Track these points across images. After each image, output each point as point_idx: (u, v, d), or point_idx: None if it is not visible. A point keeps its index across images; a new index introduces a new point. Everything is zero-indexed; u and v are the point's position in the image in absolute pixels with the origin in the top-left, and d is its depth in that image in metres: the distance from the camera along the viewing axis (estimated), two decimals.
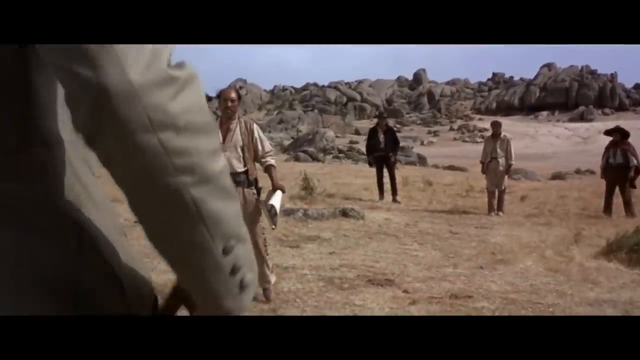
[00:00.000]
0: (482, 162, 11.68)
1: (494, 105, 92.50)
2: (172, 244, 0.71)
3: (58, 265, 0.71)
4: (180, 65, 0.66)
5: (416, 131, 70.34)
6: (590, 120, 76.06)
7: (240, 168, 4.67)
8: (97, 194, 0.81)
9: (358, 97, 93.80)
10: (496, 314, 4.68)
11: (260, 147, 4.79)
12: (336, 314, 4.55)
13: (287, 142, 38.61)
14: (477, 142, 53.24)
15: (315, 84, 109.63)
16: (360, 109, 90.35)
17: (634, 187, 11.33)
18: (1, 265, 0.67)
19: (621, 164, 11.19)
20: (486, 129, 46.58)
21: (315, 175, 13.25)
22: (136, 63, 0.63)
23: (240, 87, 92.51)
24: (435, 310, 4.69)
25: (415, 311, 4.66)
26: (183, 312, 0.87)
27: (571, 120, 78.85)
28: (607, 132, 12.08)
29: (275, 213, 4.68)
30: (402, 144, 16.88)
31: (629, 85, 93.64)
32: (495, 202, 11.25)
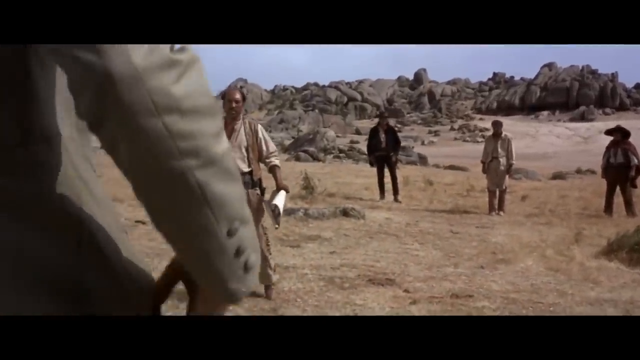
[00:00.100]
0: (483, 162, 11.67)
1: (495, 105, 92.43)
2: (177, 227, 0.71)
3: (58, 261, 0.71)
4: (182, 49, 0.67)
5: (417, 131, 70.31)
6: (591, 120, 76.00)
7: (244, 168, 4.69)
8: (98, 191, 0.81)
9: (359, 97, 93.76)
10: (497, 313, 4.68)
11: (264, 148, 4.82)
12: (337, 313, 4.55)
13: (287, 142, 38.60)
14: (477, 141, 53.18)
15: (315, 84, 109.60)
16: (360, 109, 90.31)
17: (635, 186, 11.32)
18: (1, 262, 0.67)
19: (622, 164, 11.19)
20: (487, 129, 46.57)
21: (316, 175, 13.25)
22: (139, 47, 0.63)
23: (241, 87, 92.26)
24: (436, 309, 4.69)
25: (416, 311, 4.66)
26: (182, 312, 0.87)
27: (572, 120, 78.78)
28: (608, 132, 12.08)
29: (279, 213, 4.71)
30: (403, 143, 16.88)
31: (630, 85, 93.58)
32: (496, 201, 11.25)
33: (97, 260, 0.75)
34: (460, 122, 79.73)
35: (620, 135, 11.53)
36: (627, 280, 5.86)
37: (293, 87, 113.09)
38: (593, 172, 24.69)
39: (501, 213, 11.11)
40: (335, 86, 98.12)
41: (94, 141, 0.86)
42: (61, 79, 0.76)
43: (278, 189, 4.83)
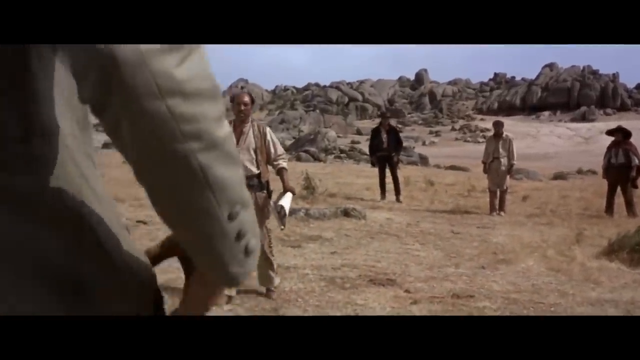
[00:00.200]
0: (484, 162, 11.66)
1: (496, 105, 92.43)
2: (179, 210, 0.72)
3: (58, 256, 0.71)
4: None
5: (418, 131, 70.34)
6: (592, 121, 75.98)
7: (253, 171, 4.75)
8: (98, 187, 0.82)
9: (360, 97, 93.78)
10: (498, 313, 4.68)
11: (272, 150, 4.87)
12: (338, 313, 4.55)
13: (288, 142, 38.58)
14: (478, 142, 53.22)
15: (316, 84, 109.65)
16: (361, 109, 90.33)
17: (636, 187, 11.31)
18: (1, 258, 0.67)
19: (623, 164, 11.18)
20: (488, 129, 46.52)
21: (317, 175, 13.25)
22: None
23: (242, 87, 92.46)
24: (436, 310, 4.69)
25: (416, 311, 4.66)
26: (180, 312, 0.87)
27: (573, 120, 78.76)
28: (609, 132, 12.06)
29: (285, 214, 4.76)
30: (404, 144, 16.83)
31: (631, 85, 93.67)
32: (497, 202, 11.24)
33: (97, 256, 0.75)
34: (461, 122, 79.73)
35: (621, 135, 11.51)
36: (628, 281, 5.86)
37: (294, 87, 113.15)
38: (594, 172, 24.68)
39: (502, 213, 11.10)
40: (336, 86, 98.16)
41: (96, 141, 0.87)
42: (60, 75, 0.76)
43: (285, 191, 4.88)
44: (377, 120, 15.11)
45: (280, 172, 4.93)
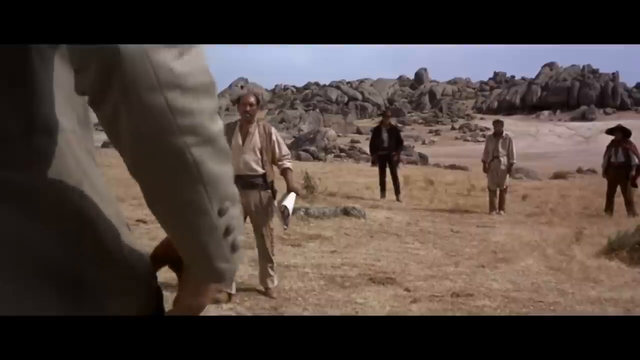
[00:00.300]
0: (483, 161, 11.65)
1: (496, 104, 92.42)
2: (171, 204, 0.72)
3: (59, 252, 0.71)
4: None
5: (418, 130, 70.31)
6: (592, 120, 75.98)
7: (258, 171, 4.80)
8: (99, 183, 0.82)
9: (359, 97, 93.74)
10: (497, 312, 4.68)
11: (277, 150, 4.92)
12: (338, 312, 4.56)
13: (288, 141, 38.56)
14: (478, 141, 53.17)
15: (316, 83, 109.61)
16: (361, 108, 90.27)
17: (636, 186, 11.32)
18: (2, 253, 0.68)
19: (623, 163, 11.18)
20: (487, 128, 46.45)
21: (317, 174, 13.24)
22: None
23: (242, 87, 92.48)
24: (436, 308, 4.70)
25: (416, 309, 4.66)
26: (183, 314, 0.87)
27: (573, 119, 78.74)
28: (609, 131, 12.06)
29: (288, 214, 4.81)
30: (404, 143, 16.80)
31: (631, 84, 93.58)
32: (496, 201, 11.25)
33: (98, 252, 0.76)
34: (461, 121, 79.69)
35: (621, 134, 11.51)
36: (628, 280, 5.86)
37: (294, 86, 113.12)
38: (594, 171, 24.70)
39: (502, 212, 11.11)
40: (336, 86, 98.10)
41: (95, 140, 0.87)
42: (60, 71, 0.76)
43: (288, 191, 4.93)
44: (377, 120, 15.10)
45: (284, 172, 4.97)
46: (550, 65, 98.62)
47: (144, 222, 6.68)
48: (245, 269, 5.44)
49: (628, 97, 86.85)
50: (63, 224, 0.73)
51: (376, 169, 13.27)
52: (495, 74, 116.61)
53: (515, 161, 11.69)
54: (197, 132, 0.68)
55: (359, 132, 61.20)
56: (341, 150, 35.38)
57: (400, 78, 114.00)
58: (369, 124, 64.74)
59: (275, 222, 5.06)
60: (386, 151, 12.75)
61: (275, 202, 4.89)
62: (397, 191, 12.63)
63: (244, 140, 4.83)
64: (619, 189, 11.26)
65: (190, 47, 0.67)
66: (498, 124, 11.69)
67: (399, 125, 61.58)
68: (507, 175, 11.50)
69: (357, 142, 45.15)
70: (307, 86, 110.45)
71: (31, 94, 0.73)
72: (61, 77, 0.75)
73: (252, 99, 4.91)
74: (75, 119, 0.81)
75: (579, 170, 28.32)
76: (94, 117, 0.77)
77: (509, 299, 5.06)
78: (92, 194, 0.78)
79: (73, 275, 0.72)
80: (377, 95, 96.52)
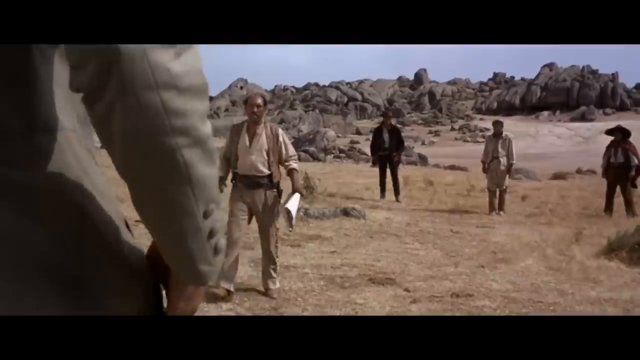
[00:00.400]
0: (483, 162, 11.66)
1: (495, 105, 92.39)
2: (158, 205, 0.72)
3: (59, 251, 0.71)
4: None
5: (417, 131, 70.27)
6: (592, 120, 75.94)
7: (264, 171, 4.85)
8: (99, 182, 0.82)
9: (359, 97, 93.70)
10: (497, 312, 4.68)
11: (284, 151, 4.97)
12: (337, 312, 4.56)
13: None
14: (478, 141, 53.15)
15: (316, 84, 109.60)
16: (361, 109, 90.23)
17: (635, 186, 11.32)
18: (3, 251, 0.68)
19: (622, 164, 11.18)
20: (487, 129, 46.43)
21: (316, 175, 13.25)
22: None
23: (241, 87, 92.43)
24: (436, 309, 4.70)
25: (416, 310, 4.66)
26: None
27: (572, 120, 78.72)
28: (609, 132, 12.06)
29: (292, 217, 4.88)
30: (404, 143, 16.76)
31: (630, 85, 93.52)
32: (496, 201, 11.25)
33: (97, 250, 0.76)
34: (460, 122, 79.65)
35: (620, 135, 11.52)
36: (627, 280, 5.87)
37: (293, 87, 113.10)
38: (593, 172, 24.70)
39: (501, 213, 11.11)
40: (335, 86, 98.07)
41: (95, 141, 0.87)
42: (60, 70, 0.76)
43: (293, 192, 4.97)
44: (377, 120, 15.08)
45: (290, 172, 5.02)
46: (550, 66, 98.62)
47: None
48: (245, 270, 5.44)
49: (627, 98, 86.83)
50: (63, 223, 0.73)
51: (376, 170, 13.25)
52: (495, 74, 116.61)
53: (514, 162, 11.69)
54: (189, 133, 0.68)
55: (358, 132, 61.17)
56: (341, 150, 35.37)
57: (400, 79, 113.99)
58: (368, 124, 64.73)
59: (281, 222, 5.09)
60: (387, 152, 12.73)
61: (280, 204, 4.93)
62: (396, 192, 12.62)
63: (251, 141, 4.86)
64: (618, 189, 11.27)
65: (187, 48, 0.67)
66: (498, 125, 11.69)
67: (399, 125, 61.57)
68: (507, 176, 11.51)
69: (357, 142, 45.11)
70: (306, 87, 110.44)
71: (32, 93, 0.73)
72: (61, 75, 0.75)
73: (260, 100, 4.95)
74: (76, 117, 0.81)
75: (579, 171, 28.32)
76: None
77: (509, 299, 5.06)
78: (92, 192, 0.78)
79: (73, 274, 0.72)
80: (377, 95, 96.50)
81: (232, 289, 4.73)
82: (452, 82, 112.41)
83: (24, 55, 0.72)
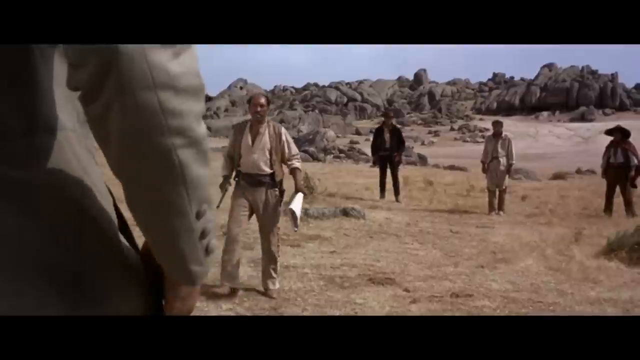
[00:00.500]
0: (483, 162, 11.65)
1: (495, 105, 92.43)
2: (152, 204, 0.72)
3: (58, 250, 0.71)
4: None
5: (417, 131, 70.26)
6: (591, 121, 75.97)
7: (266, 170, 4.88)
8: (99, 181, 0.82)
9: (359, 97, 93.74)
10: (497, 312, 4.68)
11: (287, 150, 4.99)
12: (337, 312, 4.56)
13: None
14: (477, 142, 53.18)
15: (315, 84, 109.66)
16: (360, 109, 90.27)
17: (635, 186, 11.32)
18: (3, 251, 0.68)
19: (622, 164, 11.18)
20: (487, 129, 46.44)
21: (316, 175, 13.24)
22: None
23: (241, 88, 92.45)
24: (435, 309, 4.70)
25: (416, 310, 4.66)
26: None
27: (572, 120, 78.76)
28: (608, 132, 12.06)
29: (296, 217, 4.90)
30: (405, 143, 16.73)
31: (630, 85, 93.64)
32: (496, 201, 11.25)
33: (97, 249, 0.76)
34: (460, 122, 79.67)
35: (620, 135, 11.51)
36: (627, 280, 5.87)
37: (293, 87, 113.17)
38: (593, 172, 24.71)
39: (501, 213, 11.11)
40: (335, 86, 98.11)
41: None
42: (61, 71, 0.76)
43: (296, 191, 5.00)
44: (376, 120, 15.08)
45: (293, 172, 5.04)
46: (549, 66, 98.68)
47: None
48: (244, 270, 5.44)
49: (627, 98, 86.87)
50: (63, 222, 0.73)
51: (375, 170, 13.23)
52: (495, 74, 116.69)
53: (514, 162, 11.69)
54: (184, 133, 0.68)
55: (358, 132, 61.17)
56: (340, 151, 35.38)
57: (400, 79, 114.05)
58: (368, 124, 64.77)
59: (282, 222, 5.10)
60: (388, 152, 12.72)
61: (283, 204, 4.95)
62: (396, 192, 12.62)
63: (253, 141, 4.89)
64: (618, 189, 11.27)
65: (185, 48, 0.68)
66: (497, 125, 11.69)
67: (398, 125, 61.48)
68: (507, 176, 11.51)
69: (357, 142, 45.12)
70: (306, 87, 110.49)
71: (32, 93, 0.73)
72: (61, 75, 0.75)
73: (263, 100, 4.99)
74: (76, 117, 0.81)
75: (578, 171, 28.32)
76: None
77: (509, 299, 5.06)
78: (92, 191, 0.78)
79: (73, 273, 0.72)
80: (377, 96, 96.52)
81: (237, 285, 4.77)
82: (452, 83, 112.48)
83: (24, 55, 0.72)
